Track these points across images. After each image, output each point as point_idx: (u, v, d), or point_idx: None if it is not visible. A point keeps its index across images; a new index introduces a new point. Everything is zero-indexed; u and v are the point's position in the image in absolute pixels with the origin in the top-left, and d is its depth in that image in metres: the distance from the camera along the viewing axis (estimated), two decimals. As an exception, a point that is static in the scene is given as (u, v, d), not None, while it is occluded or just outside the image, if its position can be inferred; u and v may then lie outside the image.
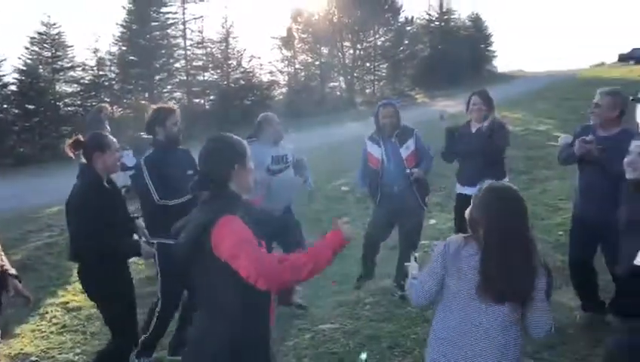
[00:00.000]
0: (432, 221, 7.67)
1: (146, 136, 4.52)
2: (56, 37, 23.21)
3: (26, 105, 21.04)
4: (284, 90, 34.29)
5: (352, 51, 37.28)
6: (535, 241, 2.40)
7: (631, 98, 5.58)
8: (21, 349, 4.92)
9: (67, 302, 5.99)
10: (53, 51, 23.05)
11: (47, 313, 5.71)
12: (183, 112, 4.76)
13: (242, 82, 29.63)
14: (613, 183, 3.35)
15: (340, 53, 36.53)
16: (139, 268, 7.06)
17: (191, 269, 2.42)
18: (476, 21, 44.82)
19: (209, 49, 29.62)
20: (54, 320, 5.56)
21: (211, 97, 29.18)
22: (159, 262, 4.22)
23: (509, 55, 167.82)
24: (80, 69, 24.23)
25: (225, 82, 29.28)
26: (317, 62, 35.78)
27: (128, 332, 3.80)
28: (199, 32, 29.18)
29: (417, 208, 5.19)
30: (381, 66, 38.72)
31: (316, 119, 23.93)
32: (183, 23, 28.48)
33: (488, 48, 45.63)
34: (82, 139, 3.66)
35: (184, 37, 28.68)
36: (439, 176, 8.34)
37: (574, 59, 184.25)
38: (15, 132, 20.64)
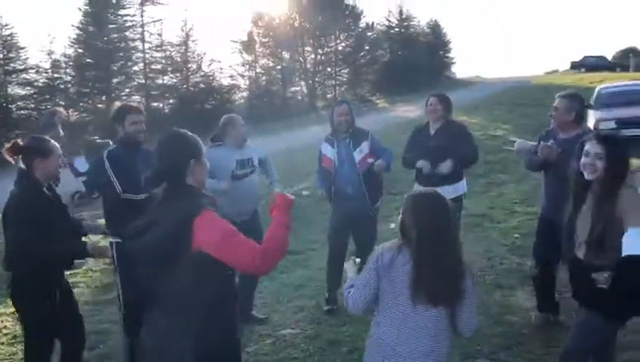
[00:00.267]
0: (392, 225, 7.72)
1: (100, 141, 4.39)
2: (9, 38, 22.58)
3: (-23, 109, 20.37)
4: (245, 94, 34.17)
5: (313, 56, 37.43)
6: (461, 245, 2.50)
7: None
8: (-31, 361, 4.73)
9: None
10: (5, 53, 22.40)
11: (-3, 323, 5.51)
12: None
13: (202, 86, 29.42)
14: None
15: (301, 58, 36.62)
16: (95, 275, 6.90)
17: (159, 268, 2.36)
18: (435, 28, 45.67)
19: (168, 52, 29.30)
20: (5, 331, 5.37)
21: (170, 101, 28.84)
22: (118, 263, 4.09)
23: (467, 61, 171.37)
24: (34, 71, 23.62)
25: (184, 86, 29.00)
26: (278, 67, 35.76)
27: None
28: (158, 35, 28.85)
29: (370, 215, 5.14)
30: (342, 71, 39.02)
31: (278, 123, 23.89)
32: (142, 26, 28.08)
33: (447, 55, 46.58)
34: (21, 143, 3.52)
35: (142, 40, 28.26)
36: (398, 181, 8.43)
37: (530, 66, 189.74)
38: (-35, 135, 19.93)
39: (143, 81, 28.30)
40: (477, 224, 7.58)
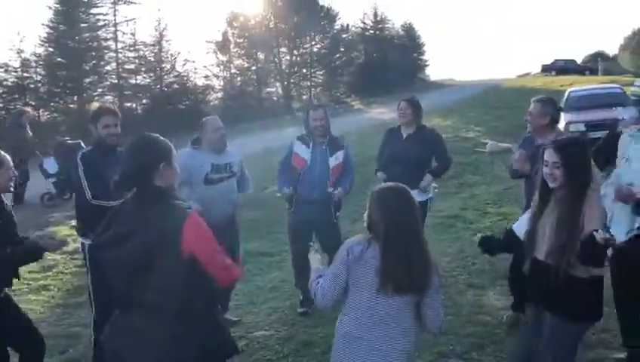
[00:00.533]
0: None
1: (70, 142, 4.31)
2: (-24, 36, 21.99)
3: (-58, 108, 19.83)
4: (219, 94, 33.93)
5: (288, 57, 37.38)
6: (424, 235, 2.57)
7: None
8: None
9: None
10: (-27, 51, 21.83)
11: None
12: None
13: (176, 86, 29.12)
14: None
15: (276, 59, 36.54)
16: (65, 277, 6.78)
17: (148, 275, 2.33)
18: (409, 30, 46.01)
19: (141, 52, 28.88)
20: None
21: (144, 101, 28.48)
22: (91, 266, 4.01)
23: (441, 64, 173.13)
24: (2, 70, 23.05)
25: (158, 86, 28.67)
26: (253, 68, 35.62)
27: None
28: (131, 34, 28.41)
29: (333, 222, 5.09)
30: (317, 73, 39.04)
31: (253, 124, 23.81)
32: (114, 25, 27.63)
33: (421, 57, 46.92)
34: None
35: (115, 39, 27.82)
36: (372, 181, 8.46)
37: (502, 69, 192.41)
38: None
39: (116, 81, 27.87)
40: (450, 225, 7.66)
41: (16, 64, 23.65)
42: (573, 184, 2.87)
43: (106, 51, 27.68)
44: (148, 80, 28.92)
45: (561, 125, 11.13)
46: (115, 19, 27.54)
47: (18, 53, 23.65)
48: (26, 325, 3.61)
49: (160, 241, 2.29)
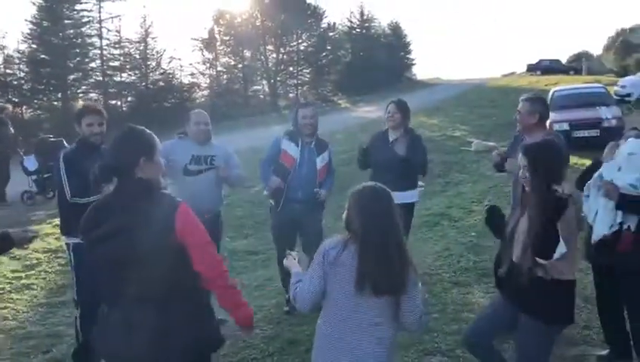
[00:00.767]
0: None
1: (52, 139, 4.26)
2: (-43, 32, 21.70)
3: None
4: (205, 92, 33.82)
5: (275, 55, 37.34)
6: (403, 235, 2.55)
7: None
8: None
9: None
10: (-46, 47, 21.54)
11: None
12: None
13: (162, 84, 29.00)
14: None
15: (263, 57, 36.48)
16: (49, 276, 6.71)
17: (135, 269, 2.33)
18: (396, 29, 46.15)
19: (127, 49, 28.75)
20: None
21: (129, 99, 28.31)
22: (75, 264, 3.99)
23: (427, 63, 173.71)
24: (-16, 67, 22.79)
25: (143, 83, 28.52)
26: (240, 65, 35.54)
27: None
28: (116, 31, 28.25)
29: (318, 221, 5.05)
30: (304, 71, 39.04)
31: (239, 122, 23.75)
32: (99, 22, 27.46)
33: (407, 56, 47.10)
34: None
35: (100, 36, 27.65)
36: (355, 180, 8.48)
37: (488, 68, 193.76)
38: None
39: (101, 78, 27.68)
40: (436, 223, 7.70)
41: (-1, 61, 23.40)
42: (539, 187, 2.93)
43: (90, 48, 27.49)
44: (133, 77, 28.79)
45: (547, 124, 11.18)
46: (99, 16, 27.40)
47: (1, 49, 23.42)
48: None
49: (152, 235, 2.29)
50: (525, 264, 2.90)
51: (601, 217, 3.53)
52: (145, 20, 28.89)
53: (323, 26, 39.78)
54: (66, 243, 3.94)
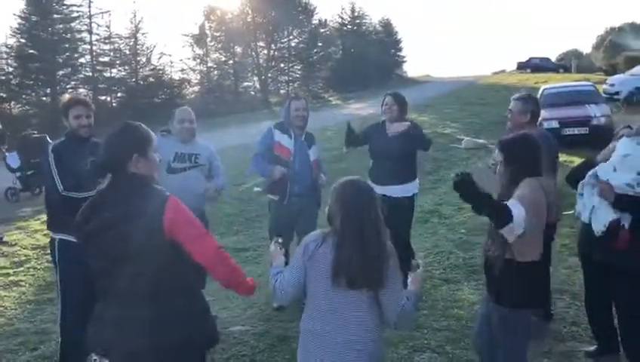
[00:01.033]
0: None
1: (36, 136, 4.20)
2: (-56, 26, 21.44)
3: None
4: (196, 88, 33.70)
5: (266, 51, 37.25)
6: (385, 230, 2.53)
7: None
8: None
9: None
10: (-59, 41, 21.27)
11: None
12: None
13: (152, 80, 28.85)
14: None
15: (253, 53, 36.38)
16: (37, 273, 6.67)
17: (125, 265, 2.32)
18: (387, 26, 46.21)
19: (117, 44, 28.58)
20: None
21: (119, 94, 28.15)
22: (60, 261, 3.94)
23: (417, 60, 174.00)
24: (-29, 61, 22.55)
25: (133, 79, 28.37)
26: (230, 62, 35.42)
27: None
28: (106, 26, 28.09)
29: (314, 215, 5.01)
30: (295, 67, 38.99)
31: (230, 118, 23.68)
32: (89, 17, 27.26)
33: (398, 53, 47.17)
34: None
35: (90, 31, 27.45)
36: (350, 174, 8.48)
37: (478, 66, 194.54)
38: None
39: (90, 74, 27.50)
40: (426, 220, 7.72)
41: (-14, 55, 23.18)
42: (509, 182, 2.99)
43: (80, 43, 27.31)
44: (123, 73, 28.65)
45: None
46: (89, 11, 27.23)
47: (-12, 44, 23.16)
48: None
49: (142, 230, 2.27)
50: (493, 248, 2.97)
51: (597, 214, 3.53)
52: (135, 16, 28.93)
53: (314, 22, 39.79)
54: (52, 238, 3.90)
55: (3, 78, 24.11)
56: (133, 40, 28.93)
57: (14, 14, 25.14)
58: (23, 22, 25.32)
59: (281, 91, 38.13)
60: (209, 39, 35.13)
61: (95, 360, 2.47)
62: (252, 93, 36.79)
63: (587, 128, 11.67)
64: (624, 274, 3.54)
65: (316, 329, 2.50)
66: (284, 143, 4.93)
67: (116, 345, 2.38)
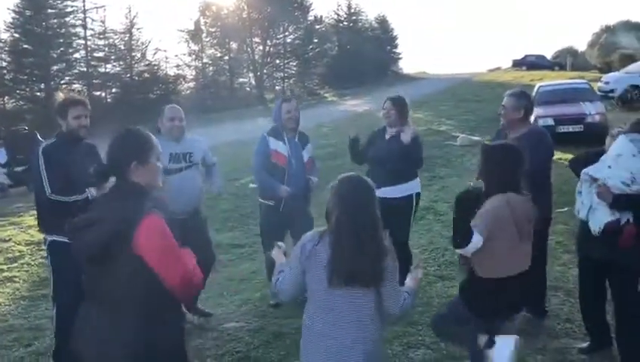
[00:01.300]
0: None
1: (25, 131, 4.14)
2: (-63, 20, 21.30)
3: None
4: (191, 84, 33.62)
5: (261, 47, 37.15)
6: (382, 227, 2.53)
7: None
8: None
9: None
10: None
11: None
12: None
13: (147, 75, 28.75)
14: (530, 182, 3.47)
15: (249, 49, 36.28)
16: (32, 269, 6.65)
17: (99, 267, 2.29)
18: (383, 23, 46.17)
19: (111, 40, 28.46)
20: None
21: (113, 90, 28.05)
22: (52, 262, 3.94)
23: (413, 57, 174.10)
24: (-35, 55, 22.42)
25: (128, 75, 28.26)
26: (226, 57, 35.33)
27: None
28: (101, 21, 27.95)
29: (308, 214, 5.02)
30: (291, 64, 38.91)
31: (225, 114, 23.63)
32: (84, 12, 27.13)
33: (394, 50, 47.14)
34: None
35: (84, 26, 27.33)
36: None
37: (473, 63, 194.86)
38: None
39: (85, 69, 27.37)
40: (421, 217, 7.72)
41: (-20, 50, 23.04)
42: (486, 185, 3.06)
43: (74, 38, 27.19)
44: (118, 68, 28.55)
45: (531, 119, 11.27)
46: (84, 6, 27.10)
47: (-19, 39, 23.02)
48: None
49: (113, 234, 2.23)
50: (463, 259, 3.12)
51: (599, 211, 3.53)
52: (130, 11, 28.73)
53: (310, 18, 39.67)
54: (44, 239, 3.88)
55: (-4, 72, 23.98)
56: (128, 35, 28.83)
57: (8, 9, 25.12)
58: (17, 16, 25.18)
59: (277, 87, 38.08)
60: (204, 35, 35.04)
61: None
62: (247, 89, 36.71)
63: (582, 126, 11.72)
64: (626, 271, 3.54)
65: (316, 327, 2.50)
66: (280, 150, 4.93)
67: (85, 348, 2.37)
